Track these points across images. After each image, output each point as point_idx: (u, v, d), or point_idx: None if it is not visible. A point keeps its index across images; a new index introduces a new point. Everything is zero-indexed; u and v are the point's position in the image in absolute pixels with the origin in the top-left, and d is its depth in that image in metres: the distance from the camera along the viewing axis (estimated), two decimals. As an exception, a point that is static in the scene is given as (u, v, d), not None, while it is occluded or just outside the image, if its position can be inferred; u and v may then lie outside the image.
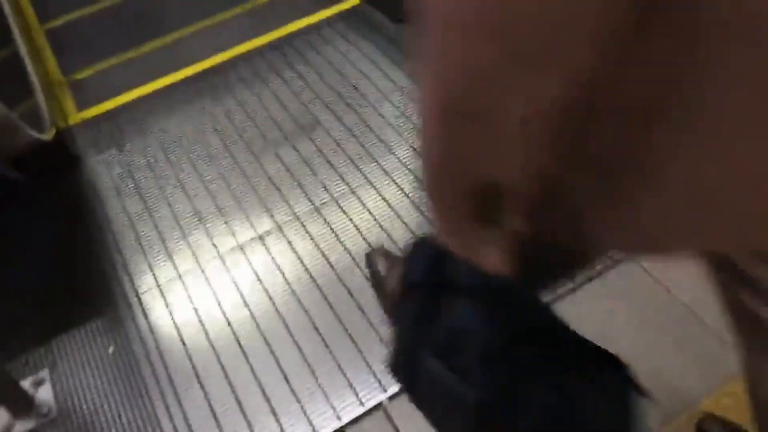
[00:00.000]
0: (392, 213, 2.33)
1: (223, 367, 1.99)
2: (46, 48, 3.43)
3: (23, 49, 3.07)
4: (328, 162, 2.56)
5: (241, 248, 2.31)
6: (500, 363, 0.83)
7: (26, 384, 2.00)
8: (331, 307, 2.08)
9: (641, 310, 1.92)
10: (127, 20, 3.56)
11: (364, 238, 2.26)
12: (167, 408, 1.91)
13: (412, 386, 0.97)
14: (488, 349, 0.83)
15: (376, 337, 1.98)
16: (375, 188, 2.43)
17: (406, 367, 0.97)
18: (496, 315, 0.83)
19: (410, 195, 2.37)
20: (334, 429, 1.80)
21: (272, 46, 3.19)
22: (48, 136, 2.60)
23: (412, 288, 0.94)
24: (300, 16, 3.33)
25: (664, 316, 1.89)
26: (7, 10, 3.25)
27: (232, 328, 2.08)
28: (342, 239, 2.28)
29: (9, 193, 2.48)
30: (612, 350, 0.88)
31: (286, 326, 2.06)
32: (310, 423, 1.82)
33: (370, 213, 2.34)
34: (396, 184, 2.43)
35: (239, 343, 2.04)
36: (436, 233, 0.59)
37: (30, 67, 2.97)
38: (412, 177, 2.44)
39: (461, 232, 0.57)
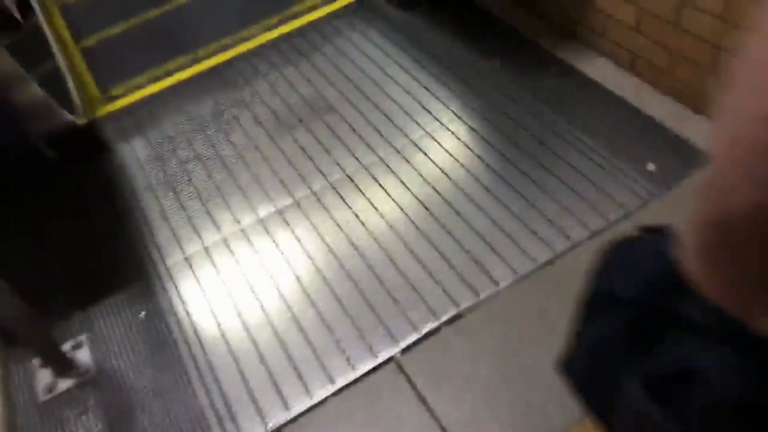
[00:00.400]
0: (404, 190, 2.47)
1: (248, 330, 2.13)
2: (81, 64, 3.54)
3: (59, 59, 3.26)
4: (342, 142, 2.70)
5: (262, 222, 2.47)
6: (734, 418, 0.75)
7: (66, 347, 2.17)
8: (347, 274, 2.22)
9: None
10: (158, 36, 3.64)
11: (382, 216, 2.40)
12: (197, 368, 2.07)
13: (596, 400, 0.95)
14: (722, 400, 0.74)
15: (389, 297, 2.12)
16: (389, 167, 2.57)
17: (596, 381, 0.93)
18: (740, 364, 0.73)
19: (420, 172, 2.50)
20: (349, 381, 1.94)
21: (284, 39, 3.35)
22: (80, 119, 2.78)
23: (616, 300, 0.88)
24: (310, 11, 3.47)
25: None
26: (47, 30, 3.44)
27: (255, 295, 2.23)
28: (361, 219, 2.42)
29: (47, 174, 2.66)
30: None
31: (304, 290, 2.20)
32: (328, 373, 1.97)
33: (384, 190, 2.48)
34: (408, 162, 2.56)
35: (263, 308, 2.19)
36: (704, 289, 0.60)
37: (62, 62, 3.16)
38: (422, 154, 2.57)
39: (743, 295, 0.57)
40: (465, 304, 2.05)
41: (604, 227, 2.17)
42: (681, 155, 2.32)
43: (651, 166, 2.31)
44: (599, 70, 2.71)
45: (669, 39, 2.38)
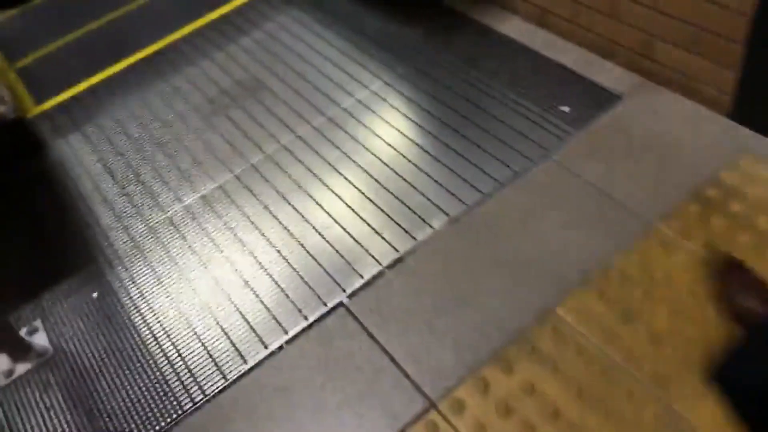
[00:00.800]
0: (341, 154, 2.58)
1: (199, 296, 2.21)
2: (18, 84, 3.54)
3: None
4: (278, 118, 2.80)
5: (204, 198, 2.54)
6: None
7: (23, 333, 2.21)
8: (294, 238, 2.32)
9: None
10: (95, 47, 3.68)
11: (320, 180, 2.51)
12: (153, 334, 2.14)
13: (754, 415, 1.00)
14: None
15: (335, 253, 2.23)
16: (324, 136, 2.68)
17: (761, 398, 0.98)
18: None
19: (356, 138, 2.62)
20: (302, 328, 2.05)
21: (211, 26, 3.42)
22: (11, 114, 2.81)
23: None
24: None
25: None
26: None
27: (205, 266, 2.31)
28: (301, 185, 2.52)
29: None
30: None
31: (255, 258, 2.30)
32: (281, 326, 2.07)
33: (321, 157, 2.59)
34: (342, 128, 2.68)
35: (214, 278, 2.27)
36: None
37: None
38: (354, 120, 2.69)
39: None
40: (404, 249, 2.18)
41: (528, 167, 2.33)
42: (591, 97, 2.50)
43: (566, 109, 2.49)
44: (513, 27, 2.88)
45: (571, -9, 2.56)
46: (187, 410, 1.93)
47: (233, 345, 2.06)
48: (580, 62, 2.64)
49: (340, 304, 2.08)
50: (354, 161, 2.53)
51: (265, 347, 2.02)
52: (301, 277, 2.19)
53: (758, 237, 1.94)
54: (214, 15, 3.49)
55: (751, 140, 2.19)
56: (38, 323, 2.25)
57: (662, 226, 2.03)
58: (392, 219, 2.29)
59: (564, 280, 1.97)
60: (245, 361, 2.01)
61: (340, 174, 2.49)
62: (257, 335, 2.07)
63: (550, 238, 2.09)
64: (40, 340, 2.20)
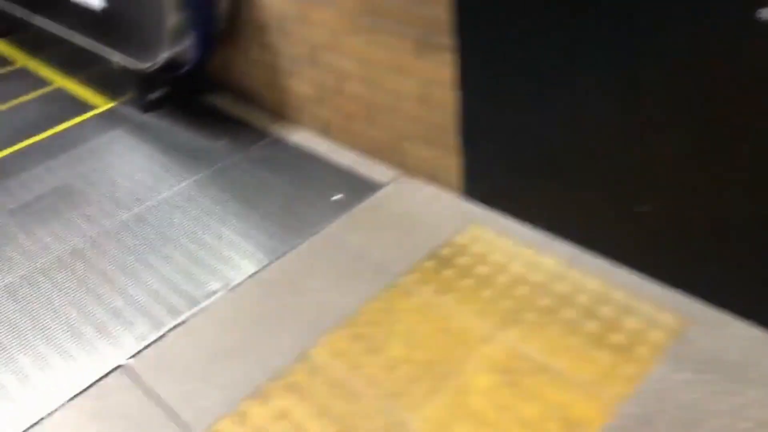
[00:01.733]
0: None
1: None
2: None
3: None
4: (84, 216, 3.03)
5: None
6: None
7: None
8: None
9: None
10: None
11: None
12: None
13: None
14: None
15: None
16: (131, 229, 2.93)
17: None
18: None
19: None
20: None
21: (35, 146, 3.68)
22: None
23: None
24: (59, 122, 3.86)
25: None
26: None
27: None
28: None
29: None
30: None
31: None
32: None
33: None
34: (152, 225, 2.95)
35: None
36: None
37: None
38: (165, 217, 2.98)
39: None
40: (188, 312, 2.42)
41: (302, 241, 2.70)
42: (360, 187, 2.98)
43: (339, 197, 2.94)
44: (302, 137, 3.39)
45: (343, 104, 3.12)
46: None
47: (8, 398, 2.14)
48: (354, 162, 3.15)
49: (120, 365, 2.25)
50: (155, 248, 2.79)
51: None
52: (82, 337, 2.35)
53: (477, 280, 2.39)
54: (41, 136, 3.75)
55: (477, 212, 2.72)
56: None
57: (404, 279, 2.44)
58: (177, 285, 2.54)
59: (322, 325, 2.29)
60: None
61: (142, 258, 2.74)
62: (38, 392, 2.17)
63: (316, 294, 2.43)
64: None
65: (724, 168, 1.96)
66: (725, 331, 2.10)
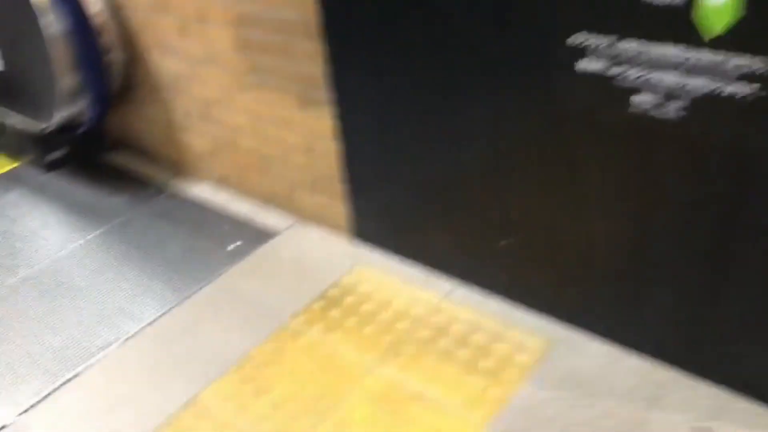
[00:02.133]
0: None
1: None
2: None
3: None
4: (-23, 278, 3.02)
5: None
6: None
7: None
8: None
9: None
10: None
11: (6, 321, 2.73)
12: None
13: None
14: None
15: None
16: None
17: None
18: None
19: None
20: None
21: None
22: None
23: None
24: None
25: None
26: None
27: None
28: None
29: None
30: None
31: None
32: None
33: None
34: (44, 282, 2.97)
35: None
36: None
37: None
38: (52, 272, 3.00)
39: None
40: (83, 364, 2.46)
41: (198, 289, 2.78)
42: (255, 235, 3.10)
43: (235, 245, 3.05)
44: (201, 190, 3.50)
45: (237, 157, 3.25)
46: None
47: None
48: (251, 211, 3.27)
49: (5, 426, 2.26)
50: (54, 304, 2.81)
51: None
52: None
53: (361, 318, 2.53)
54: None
55: (364, 253, 2.87)
56: None
57: (295, 321, 2.55)
58: (73, 338, 2.58)
59: (215, 369, 2.37)
60: None
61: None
62: None
63: (209, 340, 2.51)
64: None
65: (568, 199, 2.19)
66: (584, 349, 2.30)
